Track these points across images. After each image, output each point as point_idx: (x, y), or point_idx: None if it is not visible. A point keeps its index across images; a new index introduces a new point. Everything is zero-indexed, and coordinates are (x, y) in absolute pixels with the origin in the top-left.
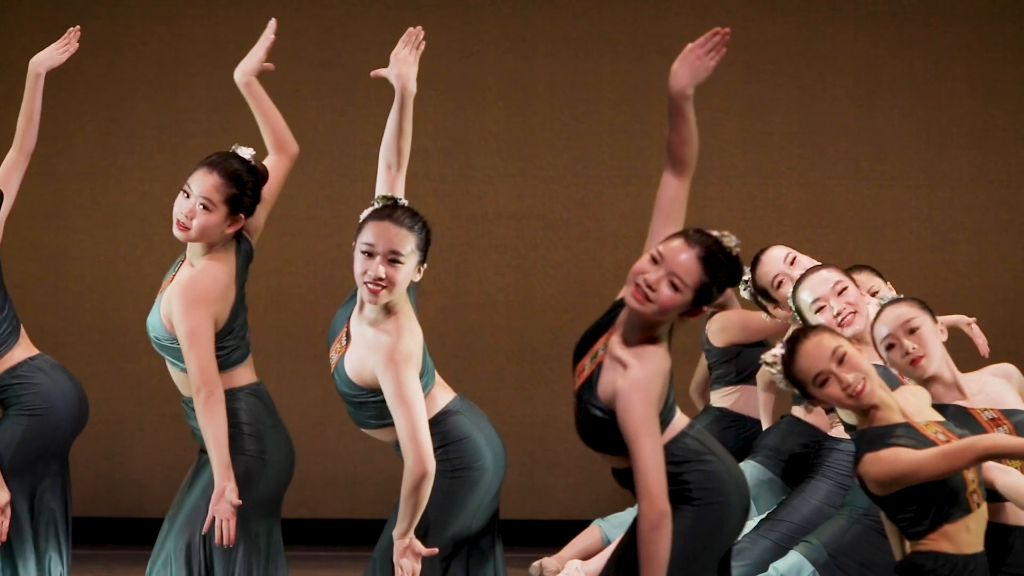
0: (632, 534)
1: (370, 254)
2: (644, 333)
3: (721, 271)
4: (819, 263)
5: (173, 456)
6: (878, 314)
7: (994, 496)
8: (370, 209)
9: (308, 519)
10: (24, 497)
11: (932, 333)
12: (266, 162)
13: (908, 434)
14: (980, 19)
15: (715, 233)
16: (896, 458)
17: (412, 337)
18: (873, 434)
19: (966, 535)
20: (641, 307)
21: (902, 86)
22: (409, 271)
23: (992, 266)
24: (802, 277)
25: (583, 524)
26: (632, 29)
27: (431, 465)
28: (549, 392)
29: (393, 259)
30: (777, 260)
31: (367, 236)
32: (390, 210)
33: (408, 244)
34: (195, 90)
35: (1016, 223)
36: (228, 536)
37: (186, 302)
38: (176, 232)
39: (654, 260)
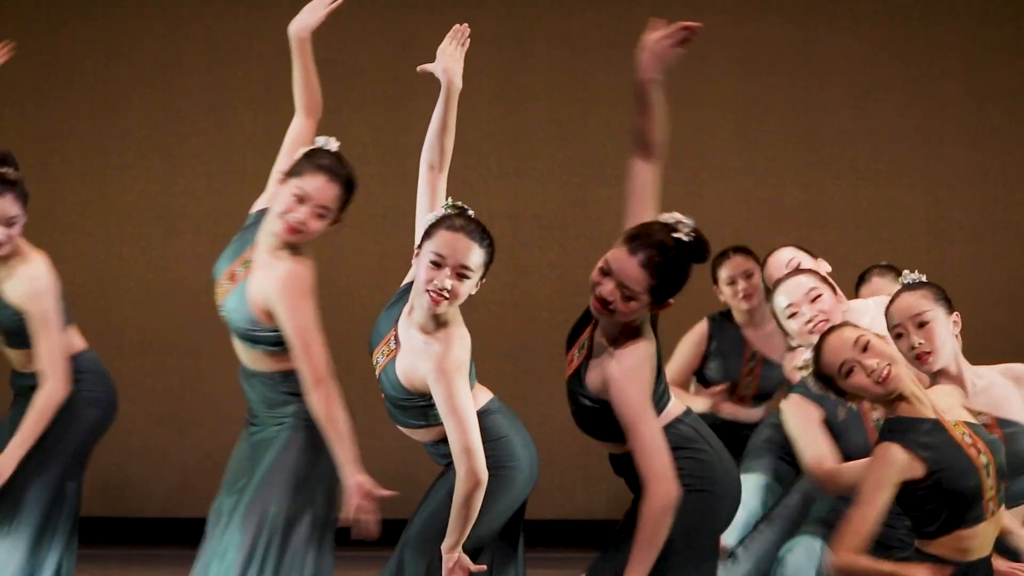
0: (631, 518)
1: (439, 264)
2: (622, 325)
3: (668, 271)
4: (801, 268)
5: (167, 455)
6: (893, 299)
7: None
8: (439, 215)
9: None
10: (50, 487)
11: (943, 327)
12: (295, 125)
13: (935, 431)
14: (976, 19)
15: (663, 226)
16: (883, 457)
17: (462, 346)
18: (897, 424)
19: (974, 541)
20: (602, 316)
21: (898, 85)
22: (472, 285)
23: (989, 265)
24: (779, 281)
25: (580, 524)
26: (628, 28)
27: (484, 476)
28: (544, 391)
29: (461, 273)
30: (780, 265)
31: (438, 246)
32: (464, 221)
33: (477, 259)
34: (191, 90)
35: (1013, 222)
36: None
37: (296, 296)
38: (285, 234)
39: (604, 271)
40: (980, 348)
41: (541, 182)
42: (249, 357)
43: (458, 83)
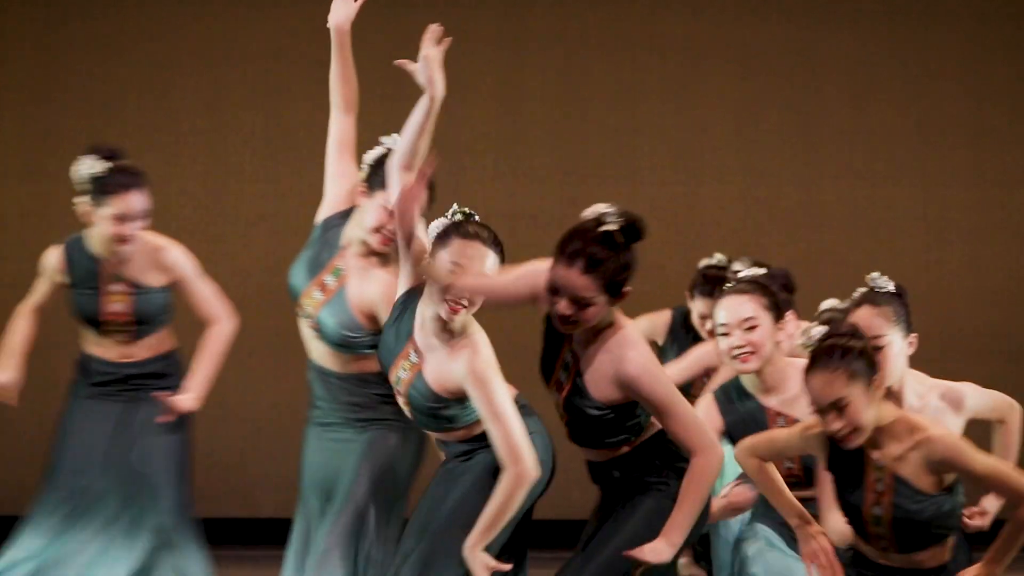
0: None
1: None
2: (594, 328)
3: (611, 266)
4: (751, 286)
5: None
6: (855, 308)
7: None
8: (447, 222)
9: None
10: (120, 493)
11: (897, 348)
12: (335, 122)
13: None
14: (974, 18)
15: (589, 225)
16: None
17: (486, 344)
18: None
19: (866, 548)
20: (572, 331)
21: (896, 85)
22: None
23: (986, 265)
24: (725, 292)
25: (576, 523)
26: (624, 28)
27: (534, 474)
28: (541, 391)
29: None
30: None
31: (455, 255)
32: (476, 228)
33: (492, 264)
34: (187, 89)
35: (1010, 222)
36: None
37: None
38: (380, 247)
39: (553, 291)
40: (978, 348)
41: (537, 181)
42: (339, 361)
43: (442, 93)
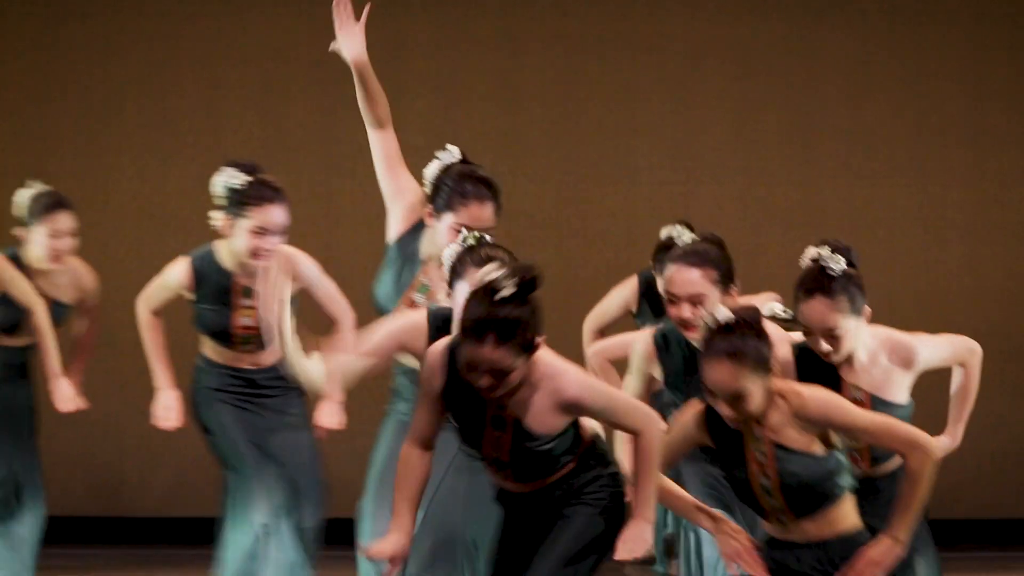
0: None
1: None
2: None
3: (518, 331)
4: (698, 264)
5: (162, 455)
6: (805, 300)
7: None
8: (462, 249)
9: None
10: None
11: (852, 332)
12: (376, 140)
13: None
14: (972, 17)
15: (483, 295)
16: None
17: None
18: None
19: (767, 526)
20: (500, 397)
21: (893, 84)
22: None
23: (984, 264)
24: (676, 261)
25: None
26: (622, 27)
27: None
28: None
29: None
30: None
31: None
32: (490, 253)
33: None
34: (185, 89)
35: (1008, 221)
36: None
37: None
38: None
39: (473, 368)
40: None
41: (535, 181)
42: None
43: (364, 59)
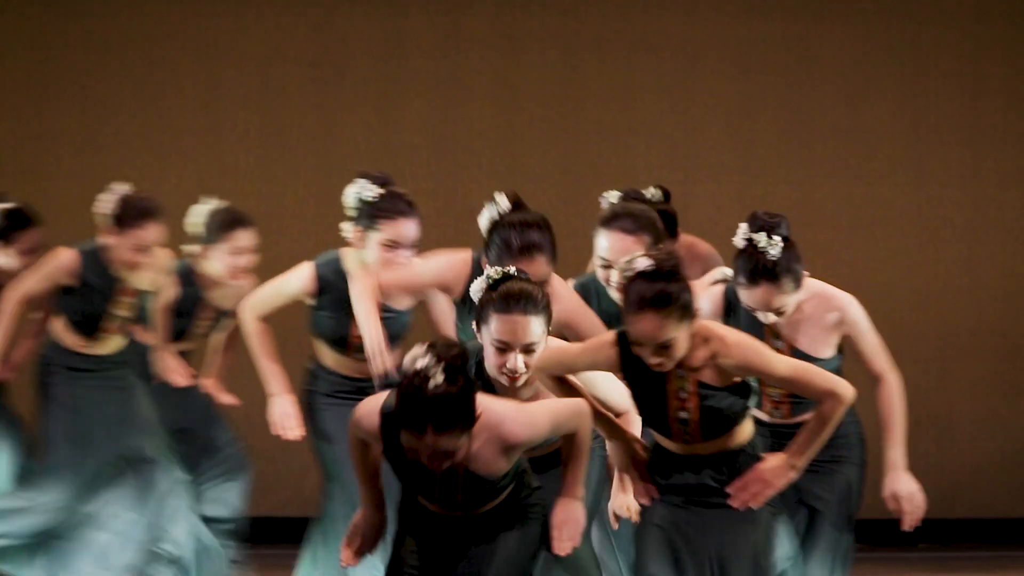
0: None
1: (504, 350)
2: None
3: (457, 413)
4: (632, 230)
5: None
6: (748, 285)
7: None
8: (486, 288)
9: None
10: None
11: (795, 302)
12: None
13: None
14: (970, 16)
15: (416, 390)
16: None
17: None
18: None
19: (666, 444)
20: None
21: (891, 83)
22: (542, 348)
23: (982, 264)
24: (610, 225)
25: None
26: (620, 27)
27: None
28: None
29: (529, 350)
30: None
31: (499, 332)
32: (516, 297)
33: (539, 329)
34: (183, 88)
35: (1005, 221)
36: None
37: (583, 308)
38: None
39: (416, 454)
40: (974, 346)
41: (533, 180)
42: None
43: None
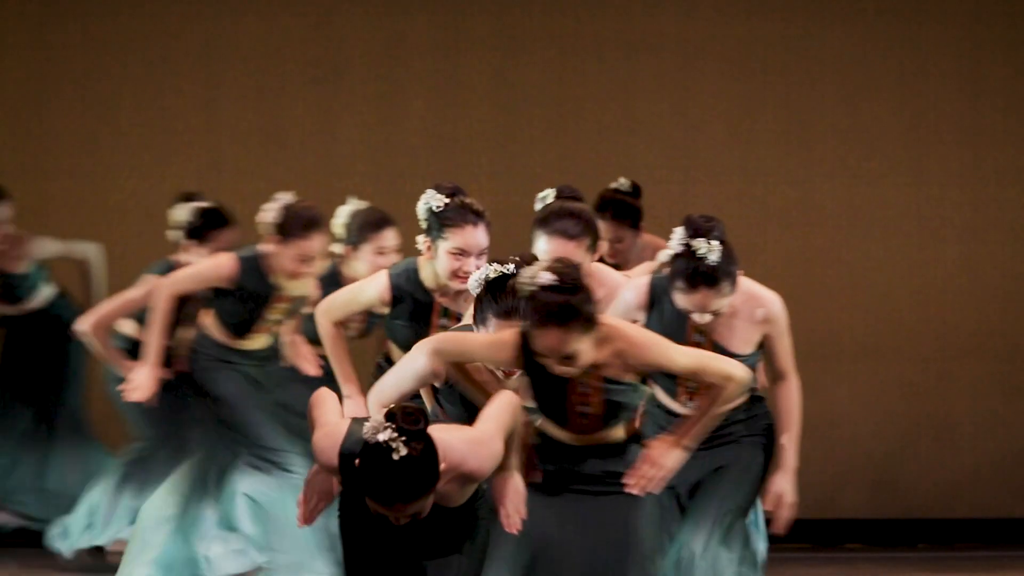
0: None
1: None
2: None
3: (421, 482)
4: (575, 236)
5: None
6: (687, 291)
7: None
8: (494, 295)
9: None
10: None
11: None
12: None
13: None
14: (968, 16)
15: (381, 463)
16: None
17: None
18: None
19: (551, 432)
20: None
21: (890, 83)
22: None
23: (981, 264)
24: (552, 230)
25: None
26: (619, 27)
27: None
28: None
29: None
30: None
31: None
32: (513, 296)
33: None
34: (182, 88)
35: (1005, 221)
36: None
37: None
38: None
39: (383, 516)
40: (973, 347)
41: (532, 180)
42: None
43: None
